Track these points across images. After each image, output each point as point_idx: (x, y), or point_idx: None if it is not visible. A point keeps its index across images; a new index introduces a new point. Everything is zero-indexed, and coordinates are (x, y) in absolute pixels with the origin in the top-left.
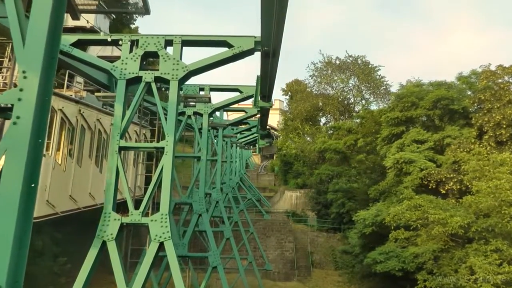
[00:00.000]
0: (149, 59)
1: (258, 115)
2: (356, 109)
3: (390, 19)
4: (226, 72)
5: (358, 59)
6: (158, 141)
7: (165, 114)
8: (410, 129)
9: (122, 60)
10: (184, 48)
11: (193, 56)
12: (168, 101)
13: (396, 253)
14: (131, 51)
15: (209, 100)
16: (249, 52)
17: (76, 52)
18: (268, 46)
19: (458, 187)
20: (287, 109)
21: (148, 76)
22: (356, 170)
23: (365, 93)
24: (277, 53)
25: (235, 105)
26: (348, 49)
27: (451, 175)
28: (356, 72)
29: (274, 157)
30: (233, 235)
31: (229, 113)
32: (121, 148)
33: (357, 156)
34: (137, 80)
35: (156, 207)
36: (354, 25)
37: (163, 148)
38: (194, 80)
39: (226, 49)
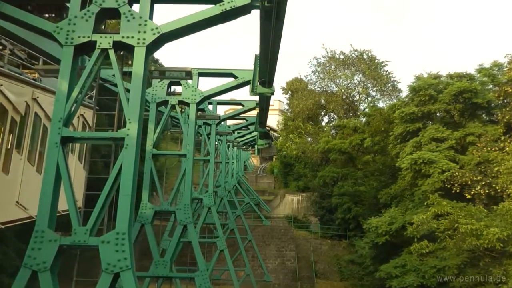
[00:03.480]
0: (108, 20)
1: (257, 109)
2: (362, 107)
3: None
4: (223, 64)
5: (364, 54)
6: (117, 130)
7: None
8: (427, 126)
9: (69, 20)
10: (156, 6)
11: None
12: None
13: (414, 266)
14: (82, 8)
15: (190, 76)
16: (244, 10)
17: (6, 8)
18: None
19: (487, 191)
20: (287, 108)
21: (104, 41)
22: (363, 172)
23: (371, 90)
24: (281, 12)
25: (232, 98)
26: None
27: (478, 178)
28: (362, 68)
29: (274, 159)
30: (230, 243)
31: (226, 111)
32: (65, 140)
33: (363, 157)
34: (89, 46)
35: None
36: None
37: (122, 139)
38: (178, 64)
39: (212, 5)
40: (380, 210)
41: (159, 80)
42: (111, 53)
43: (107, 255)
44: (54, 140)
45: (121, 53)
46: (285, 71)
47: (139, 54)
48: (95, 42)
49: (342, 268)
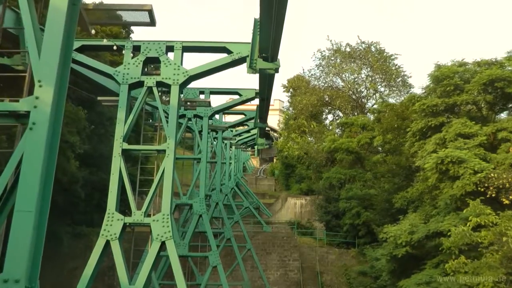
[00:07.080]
0: None
1: (257, 100)
2: (369, 104)
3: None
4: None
5: (372, 46)
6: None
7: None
8: (452, 120)
9: None
10: None
11: None
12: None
13: (440, 283)
14: None
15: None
16: None
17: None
18: None
19: None
20: (289, 106)
21: None
22: (373, 173)
23: (379, 85)
24: None
25: (228, 86)
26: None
27: None
28: (370, 61)
29: (274, 160)
30: (227, 251)
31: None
32: None
33: (373, 157)
34: None
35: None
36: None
37: (27, 114)
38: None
39: None
40: (393, 215)
41: (132, 56)
42: None
43: None
44: None
45: None
46: (285, 70)
47: None
48: None
49: (351, 280)
